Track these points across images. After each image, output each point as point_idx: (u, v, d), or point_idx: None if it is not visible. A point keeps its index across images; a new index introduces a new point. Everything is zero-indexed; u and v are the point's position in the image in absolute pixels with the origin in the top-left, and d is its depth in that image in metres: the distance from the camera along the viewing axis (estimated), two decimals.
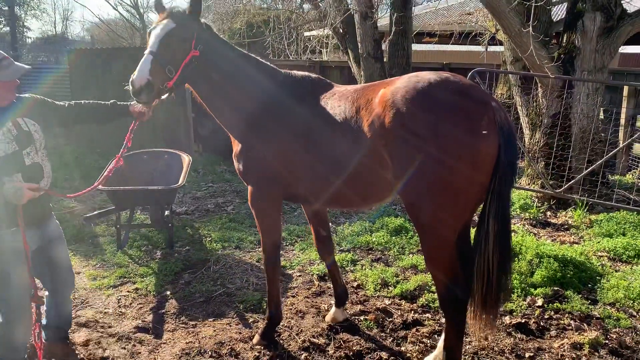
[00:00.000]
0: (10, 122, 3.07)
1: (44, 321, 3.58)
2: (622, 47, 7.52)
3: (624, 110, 8.74)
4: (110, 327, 4.08)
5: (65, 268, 3.53)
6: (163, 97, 3.40)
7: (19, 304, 3.16)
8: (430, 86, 2.91)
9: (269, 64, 3.74)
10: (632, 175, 8.57)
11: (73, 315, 4.19)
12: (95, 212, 5.67)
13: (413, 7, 10.16)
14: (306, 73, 3.73)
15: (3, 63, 2.98)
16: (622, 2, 6.79)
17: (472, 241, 3.20)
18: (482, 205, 2.96)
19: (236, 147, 3.68)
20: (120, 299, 4.55)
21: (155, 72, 3.17)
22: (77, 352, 3.69)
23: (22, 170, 3.08)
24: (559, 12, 11.48)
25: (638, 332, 3.94)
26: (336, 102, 3.34)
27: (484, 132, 2.77)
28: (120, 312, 4.33)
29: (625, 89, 8.90)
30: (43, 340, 3.36)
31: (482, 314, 3.03)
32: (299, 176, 3.48)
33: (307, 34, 13.83)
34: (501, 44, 9.47)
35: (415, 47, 11.32)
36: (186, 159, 6.18)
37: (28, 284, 3.17)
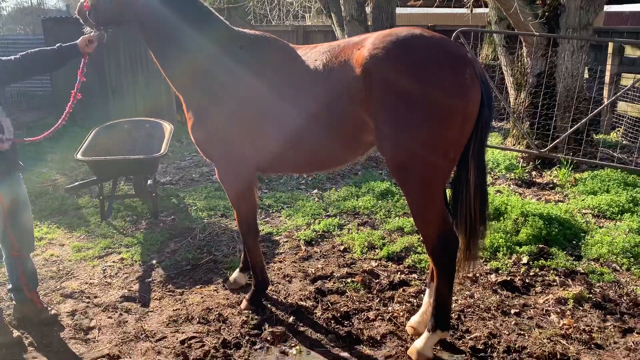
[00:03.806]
0: None
1: (9, 286, 3.65)
2: (606, 5, 7.42)
3: (608, 68, 8.72)
4: (96, 297, 4.05)
5: (29, 231, 3.60)
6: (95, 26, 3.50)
7: None
8: (408, 42, 2.82)
9: (222, 18, 3.51)
10: (616, 133, 8.61)
11: (57, 287, 4.17)
12: (77, 183, 5.57)
13: None
14: (260, 32, 3.54)
15: None
16: None
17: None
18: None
19: (191, 116, 3.47)
20: (105, 269, 4.51)
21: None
22: (62, 322, 3.67)
23: None
24: None
25: (621, 286, 4.00)
26: (304, 63, 3.17)
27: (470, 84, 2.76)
28: (106, 282, 4.29)
29: (610, 46, 8.86)
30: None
31: (467, 256, 3.10)
32: (264, 144, 3.34)
33: None
34: (486, 5, 9.33)
35: (400, 10, 11.12)
36: (168, 127, 6.07)
37: None
